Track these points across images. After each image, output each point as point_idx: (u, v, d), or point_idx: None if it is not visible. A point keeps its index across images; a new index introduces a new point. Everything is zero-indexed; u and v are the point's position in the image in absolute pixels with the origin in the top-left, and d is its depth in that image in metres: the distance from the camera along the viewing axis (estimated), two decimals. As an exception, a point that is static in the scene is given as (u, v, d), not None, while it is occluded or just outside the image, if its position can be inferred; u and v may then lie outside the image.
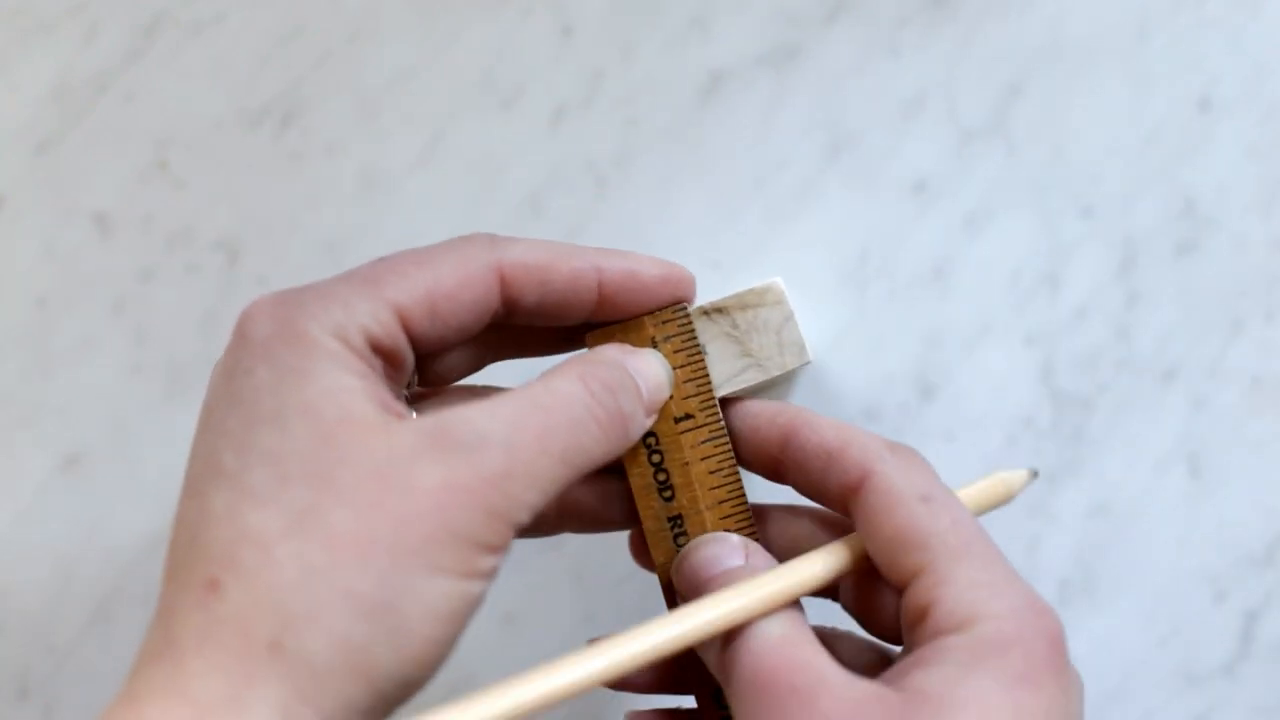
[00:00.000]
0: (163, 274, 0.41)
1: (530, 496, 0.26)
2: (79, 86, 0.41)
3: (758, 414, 0.32)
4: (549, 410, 0.27)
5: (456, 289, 0.28)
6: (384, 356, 0.28)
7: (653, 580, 0.40)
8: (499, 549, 0.26)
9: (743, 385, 0.34)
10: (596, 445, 0.28)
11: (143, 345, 0.41)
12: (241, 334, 0.27)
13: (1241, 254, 0.40)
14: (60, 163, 0.41)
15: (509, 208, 0.40)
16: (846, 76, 0.40)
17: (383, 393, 0.27)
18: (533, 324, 0.31)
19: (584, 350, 0.32)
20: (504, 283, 0.29)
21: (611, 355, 0.30)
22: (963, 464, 0.40)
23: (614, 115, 0.40)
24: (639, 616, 0.40)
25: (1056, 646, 0.27)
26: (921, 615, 0.27)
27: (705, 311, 0.34)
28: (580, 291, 0.30)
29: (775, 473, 0.32)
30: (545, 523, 0.33)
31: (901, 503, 0.29)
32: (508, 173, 0.41)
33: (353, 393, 0.26)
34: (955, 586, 0.27)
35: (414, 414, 0.28)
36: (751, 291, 0.34)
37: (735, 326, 0.34)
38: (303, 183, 0.41)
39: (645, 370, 0.31)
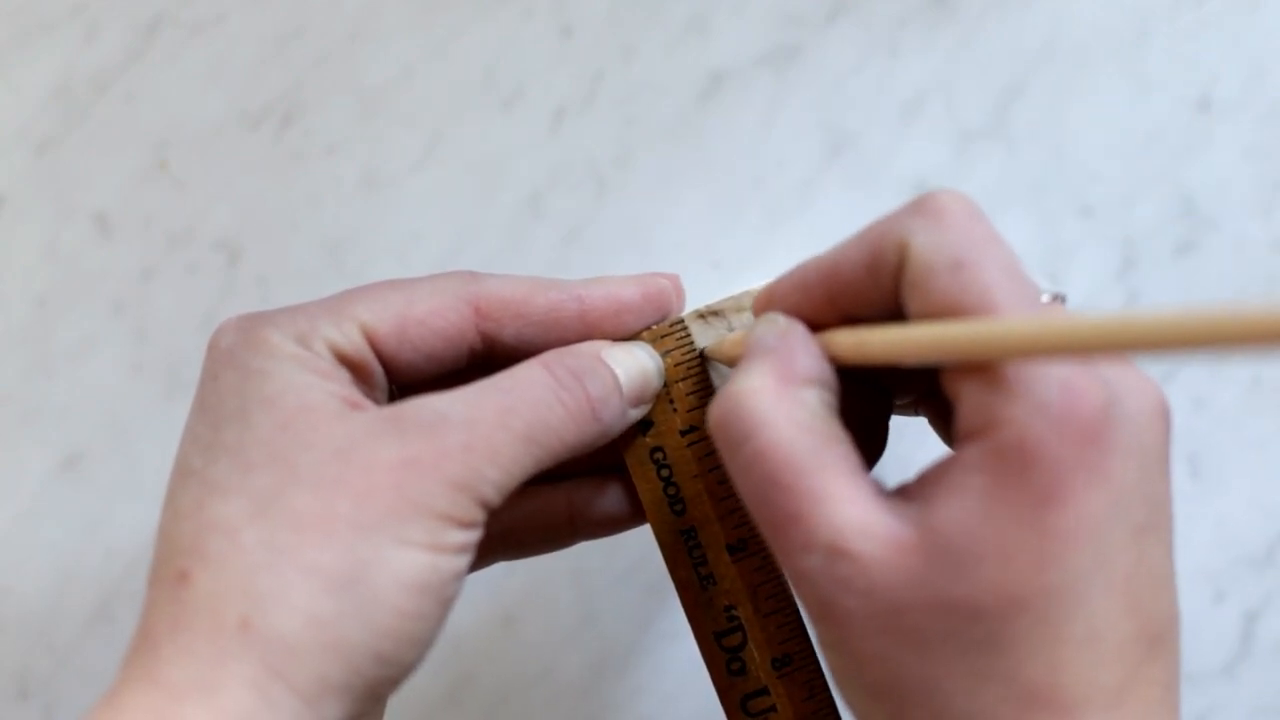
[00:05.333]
0: (163, 274, 0.41)
1: (493, 473, 0.26)
2: (79, 86, 0.41)
3: (795, 287, 0.28)
4: (509, 391, 0.28)
5: (427, 315, 0.29)
6: (351, 368, 0.28)
7: (652, 581, 0.40)
8: (467, 524, 0.26)
9: None
10: (563, 425, 0.28)
11: (143, 345, 0.41)
12: (210, 348, 0.28)
13: (1241, 254, 0.40)
14: (60, 163, 0.41)
15: (509, 208, 0.41)
16: (846, 76, 0.40)
17: (347, 390, 0.27)
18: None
19: None
20: (480, 315, 0.29)
21: (584, 346, 0.30)
22: (963, 464, 0.40)
23: (614, 115, 0.40)
24: (639, 616, 0.40)
25: (1094, 431, 0.23)
26: (951, 410, 0.25)
27: (701, 315, 0.34)
28: (563, 322, 0.30)
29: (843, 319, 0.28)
30: (560, 533, 0.33)
31: (932, 276, 0.25)
32: (508, 173, 0.41)
33: (312, 388, 0.27)
34: (975, 378, 0.24)
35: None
36: (747, 294, 0.34)
37: (731, 329, 0.34)
38: (303, 183, 0.41)
39: (624, 359, 0.30)
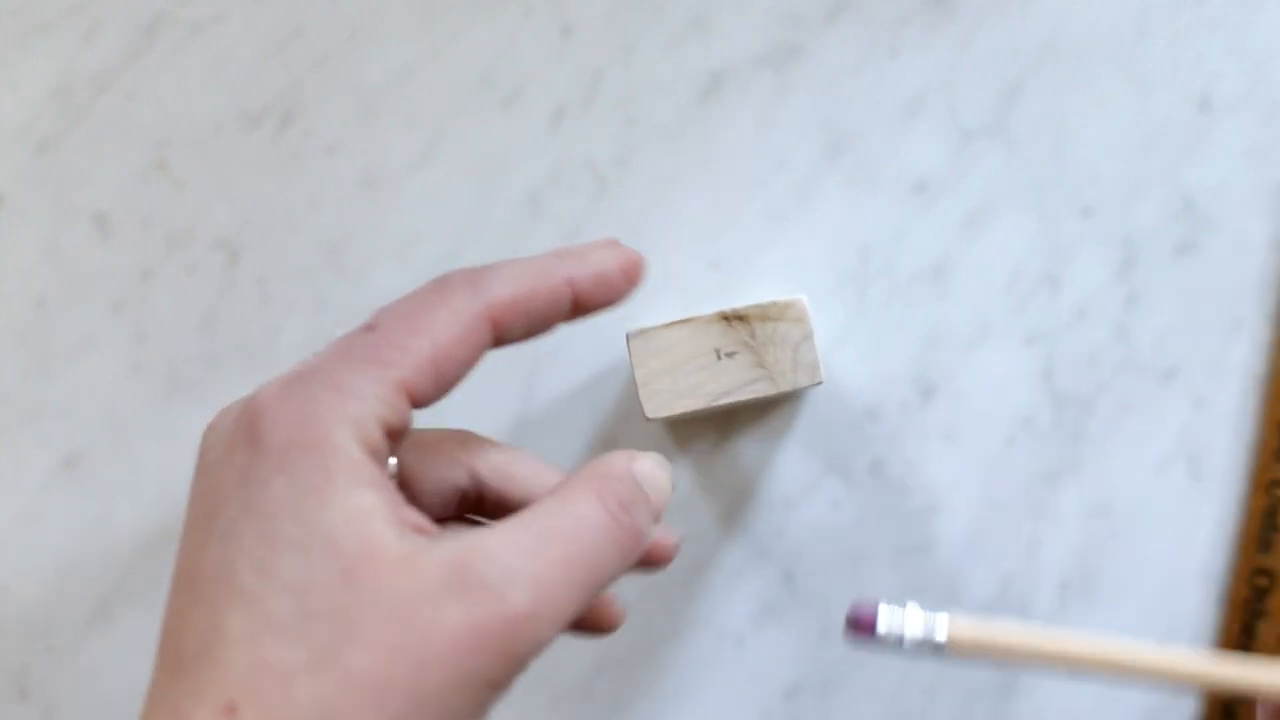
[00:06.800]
0: (163, 274, 0.41)
1: (549, 634, 0.26)
2: (79, 86, 0.41)
3: None
4: (571, 539, 0.27)
5: (454, 348, 0.28)
6: (393, 436, 0.27)
7: (653, 582, 0.40)
8: (508, 686, 0.26)
9: (750, 396, 0.34)
10: (614, 566, 0.28)
11: (143, 345, 0.41)
12: (255, 435, 0.26)
13: (1241, 254, 0.40)
14: (60, 163, 0.41)
15: (509, 208, 0.40)
16: (846, 76, 0.40)
17: (400, 508, 0.26)
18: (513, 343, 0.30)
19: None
20: (495, 326, 0.29)
21: (621, 466, 0.29)
22: (963, 464, 0.40)
23: (614, 115, 0.40)
24: (640, 617, 0.40)
25: None
26: None
27: (725, 316, 0.34)
28: (559, 307, 0.30)
29: None
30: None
31: None
32: (508, 173, 0.41)
33: (373, 517, 0.26)
34: None
35: (432, 532, 0.27)
36: (774, 304, 0.34)
37: (753, 336, 0.34)
38: (303, 183, 0.41)
39: (651, 477, 0.30)
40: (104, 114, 0.41)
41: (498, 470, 0.30)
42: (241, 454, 0.26)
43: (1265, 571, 0.39)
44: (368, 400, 0.27)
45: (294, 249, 0.41)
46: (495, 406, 0.40)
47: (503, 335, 0.29)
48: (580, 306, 0.30)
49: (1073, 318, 0.40)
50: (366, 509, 0.26)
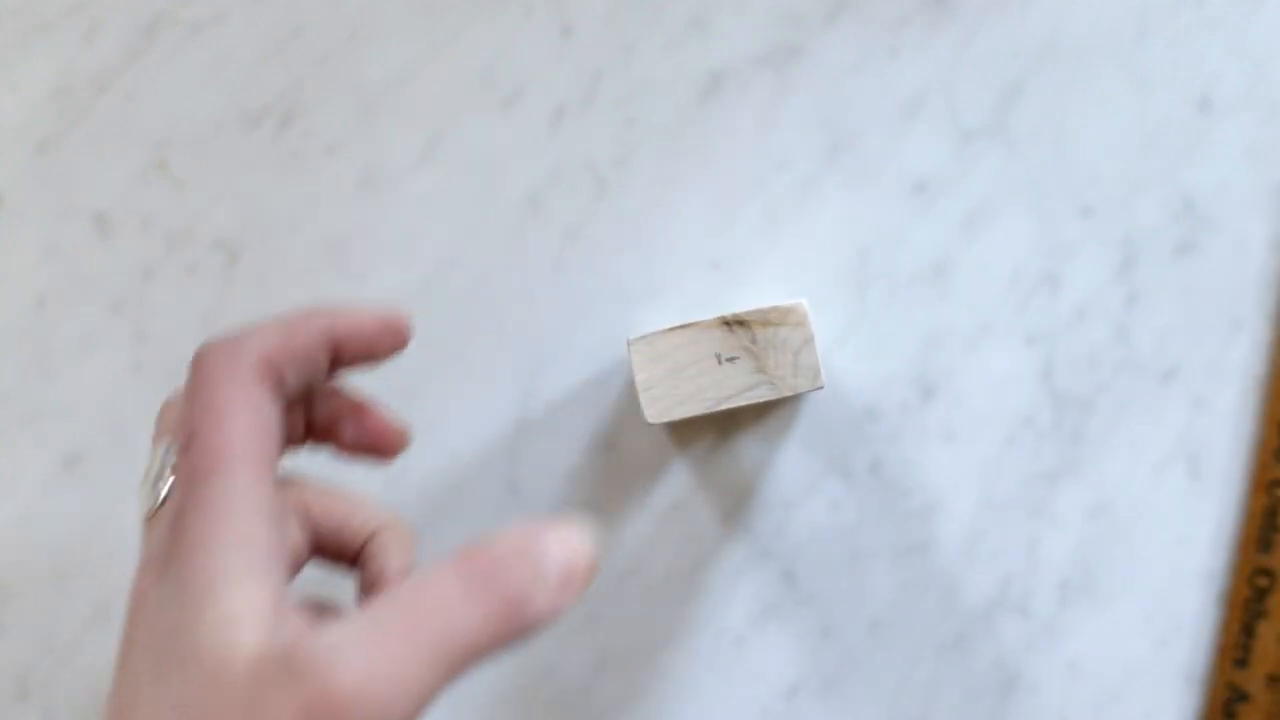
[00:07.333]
0: (163, 274, 0.41)
1: (400, 704, 0.25)
2: (79, 86, 0.41)
3: None
4: (410, 606, 0.26)
5: (259, 414, 0.28)
6: (280, 516, 0.28)
7: (652, 582, 0.40)
8: None
9: (751, 400, 0.34)
10: (479, 631, 0.26)
11: (143, 345, 0.41)
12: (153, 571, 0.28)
13: (1241, 254, 0.40)
14: (60, 163, 0.41)
15: (509, 208, 0.41)
16: (846, 76, 0.40)
17: (277, 604, 0.27)
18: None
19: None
20: (270, 371, 0.29)
21: (507, 536, 0.27)
22: (963, 464, 0.40)
23: (614, 115, 0.40)
24: (640, 616, 0.40)
25: None
26: None
27: (726, 322, 0.34)
28: (321, 350, 0.30)
29: None
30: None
31: None
32: (508, 173, 0.41)
33: (240, 622, 0.26)
34: None
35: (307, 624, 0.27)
36: (775, 309, 0.34)
37: (754, 341, 0.34)
38: (303, 183, 0.41)
39: (555, 541, 0.27)
40: (104, 114, 0.41)
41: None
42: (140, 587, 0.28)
43: (1265, 571, 0.39)
44: (241, 497, 0.27)
45: (294, 249, 0.41)
46: (495, 409, 0.40)
47: (281, 381, 0.29)
48: (342, 352, 0.30)
49: (1073, 318, 0.40)
50: (235, 614, 0.26)
